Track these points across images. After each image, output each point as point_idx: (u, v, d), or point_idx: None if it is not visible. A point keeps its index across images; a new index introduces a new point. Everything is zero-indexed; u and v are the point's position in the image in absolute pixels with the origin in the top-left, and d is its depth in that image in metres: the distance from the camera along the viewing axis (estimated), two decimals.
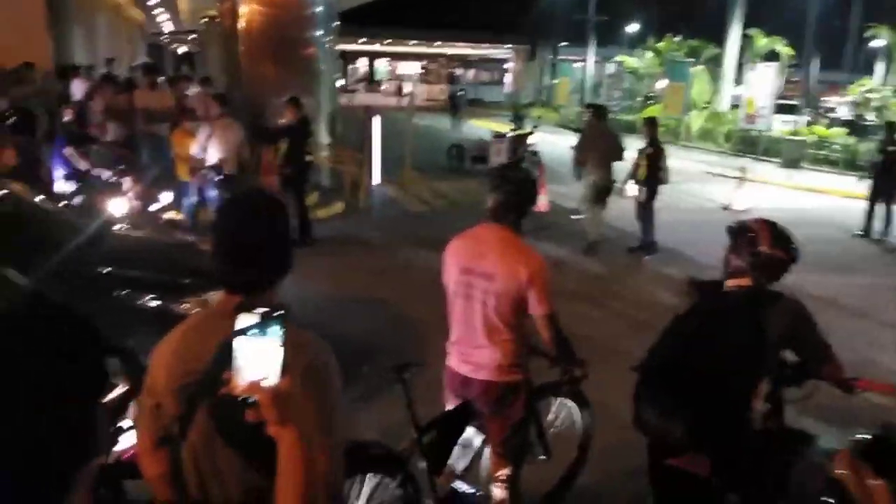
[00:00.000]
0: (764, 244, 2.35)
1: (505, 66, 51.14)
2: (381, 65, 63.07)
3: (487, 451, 3.09)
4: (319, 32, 11.99)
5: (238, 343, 1.17)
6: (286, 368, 1.17)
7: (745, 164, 14.16)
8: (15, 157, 6.10)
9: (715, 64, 25.67)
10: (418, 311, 6.28)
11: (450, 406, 3.02)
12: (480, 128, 21.60)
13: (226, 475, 1.53)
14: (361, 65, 61.93)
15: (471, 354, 2.85)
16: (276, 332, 1.17)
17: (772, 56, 23.32)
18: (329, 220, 10.55)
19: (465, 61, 50.46)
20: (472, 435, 3.10)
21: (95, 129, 7.32)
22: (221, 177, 7.54)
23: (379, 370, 2.87)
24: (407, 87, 43.38)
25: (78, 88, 9.44)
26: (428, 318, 6.11)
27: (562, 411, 3.50)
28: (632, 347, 5.59)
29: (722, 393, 2.06)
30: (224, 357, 1.47)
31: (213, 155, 7.57)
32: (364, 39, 47.28)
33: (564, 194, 12.72)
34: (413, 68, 54.68)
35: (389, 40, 51.83)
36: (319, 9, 11.81)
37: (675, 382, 2.05)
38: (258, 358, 1.17)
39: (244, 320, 1.17)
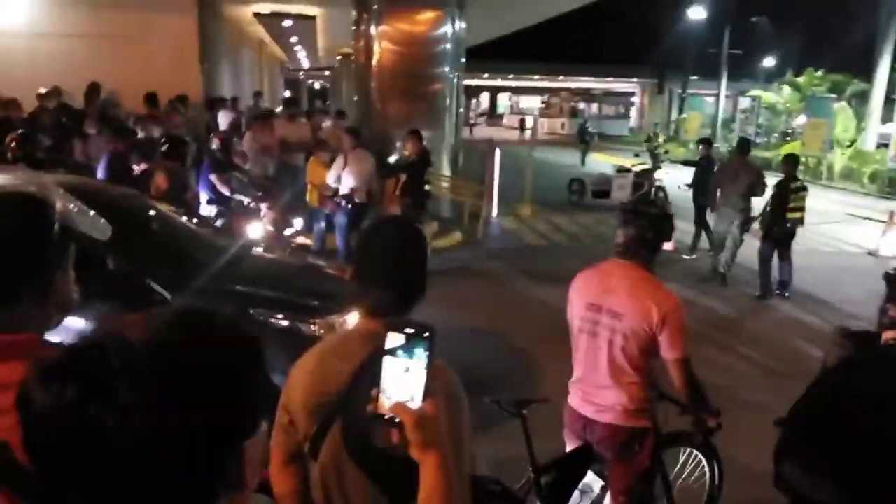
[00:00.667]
0: None
1: (631, 99, 50.26)
2: (503, 98, 63.89)
3: (608, 500, 2.96)
4: (446, 69, 12.34)
5: (385, 362, 1.17)
6: (430, 391, 1.15)
7: (894, 207, 13.01)
8: (166, 182, 6.65)
9: (859, 100, 23.96)
10: (535, 345, 6.20)
11: (569, 447, 2.92)
12: (603, 162, 21.24)
13: (353, 497, 1.54)
14: (483, 98, 63.00)
15: (594, 395, 2.74)
16: (422, 353, 1.17)
17: None
18: (447, 250, 10.68)
19: (588, 95, 50.04)
20: (592, 480, 2.97)
21: (238, 157, 7.84)
22: (352, 205, 7.87)
23: (498, 403, 2.81)
24: (529, 121, 43.61)
25: (224, 119, 10.17)
26: (545, 352, 6.01)
27: (690, 463, 3.29)
28: (767, 398, 5.24)
29: (881, 456, 1.86)
30: (361, 379, 1.50)
31: (345, 184, 7.92)
32: (487, 74, 48.15)
33: (687, 231, 12.20)
34: (534, 102, 54.91)
35: (512, 75, 52.49)
36: (448, 46, 12.16)
37: (827, 441, 1.86)
38: (404, 378, 1.16)
39: (392, 339, 1.17)
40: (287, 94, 23.72)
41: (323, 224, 8.23)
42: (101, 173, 6.73)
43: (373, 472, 1.49)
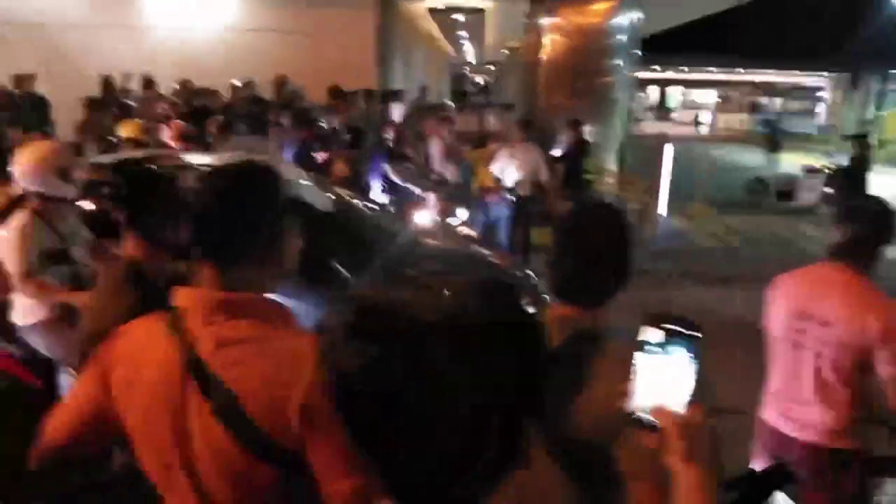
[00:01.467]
0: None
1: (819, 94, 45.93)
2: (673, 92, 60.87)
3: None
4: (619, 61, 11.93)
5: (639, 359, 1.08)
6: (698, 397, 1.05)
7: None
8: (346, 169, 7.00)
9: None
10: (711, 353, 5.80)
11: (758, 464, 2.67)
12: (788, 161, 19.60)
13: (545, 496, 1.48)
14: (651, 91, 60.44)
15: (794, 410, 2.47)
16: (684, 354, 1.06)
17: None
18: None
19: (771, 89, 46.36)
20: (782, 502, 2.70)
21: (409, 148, 8.08)
22: (516, 199, 7.84)
23: None
24: (704, 116, 41.26)
25: (396, 112, 10.52)
26: (722, 360, 5.61)
27: None
28: None
29: None
30: (556, 366, 1.43)
31: (510, 177, 7.90)
32: (657, 67, 46.09)
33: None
34: (709, 96, 51.82)
35: (685, 67, 49.81)
36: (623, 37, 11.74)
37: None
38: (661, 379, 1.06)
39: (649, 334, 1.07)
40: (452, 88, 24.28)
41: (486, 216, 8.27)
42: (288, 158, 7.21)
43: (579, 479, 1.41)
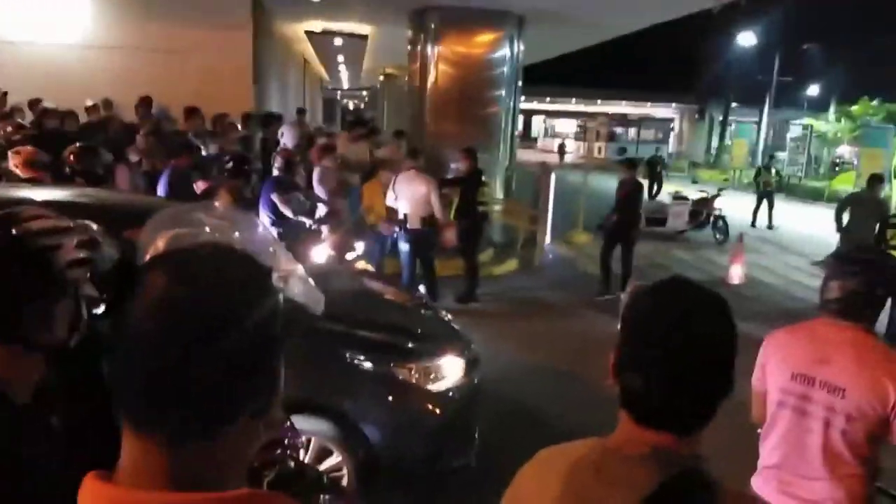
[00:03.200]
0: None
1: (670, 125, 49.57)
2: (537, 121, 63.51)
3: None
4: (503, 91, 12.01)
5: None
6: None
7: None
8: (230, 201, 6.30)
9: None
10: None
11: None
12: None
13: None
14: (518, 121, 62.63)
15: (798, 486, 2.23)
16: None
17: None
18: (504, 277, 10.24)
19: (626, 120, 49.47)
20: None
21: (300, 176, 7.49)
22: (407, 231, 7.47)
23: None
24: (569, 146, 43.16)
25: (289, 135, 9.86)
26: None
27: None
28: None
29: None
30: None
31: (401, 207, 7.53)
32: (522, 97, 47.89)
33: (758, 265, 11.62)
34: (570, 126, 54.48)
35: (548, 98, 52.14)
36: (506, 68, 11.84)
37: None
38: None
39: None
40: (321, 112, 23.78)
41: (380, 248, 7.84)
42: (161, 190, 6.41)
43: None
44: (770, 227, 16.10)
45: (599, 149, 44.80)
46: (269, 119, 10.41)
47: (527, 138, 59.24)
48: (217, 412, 0.81)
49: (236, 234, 0.88)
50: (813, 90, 39.31)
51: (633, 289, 1.21)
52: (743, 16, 27.14)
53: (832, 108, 30.53)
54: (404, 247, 7.51)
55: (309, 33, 14.77)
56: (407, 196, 7.51)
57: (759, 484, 2.34)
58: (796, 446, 2.22)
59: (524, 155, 34.43)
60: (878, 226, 8.34)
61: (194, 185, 6.67)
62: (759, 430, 2.50)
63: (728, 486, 1.07)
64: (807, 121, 27.73)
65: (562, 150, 40.96)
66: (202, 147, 7.43)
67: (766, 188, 16.62)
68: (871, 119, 24.69)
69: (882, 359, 2.15)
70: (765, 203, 16.52)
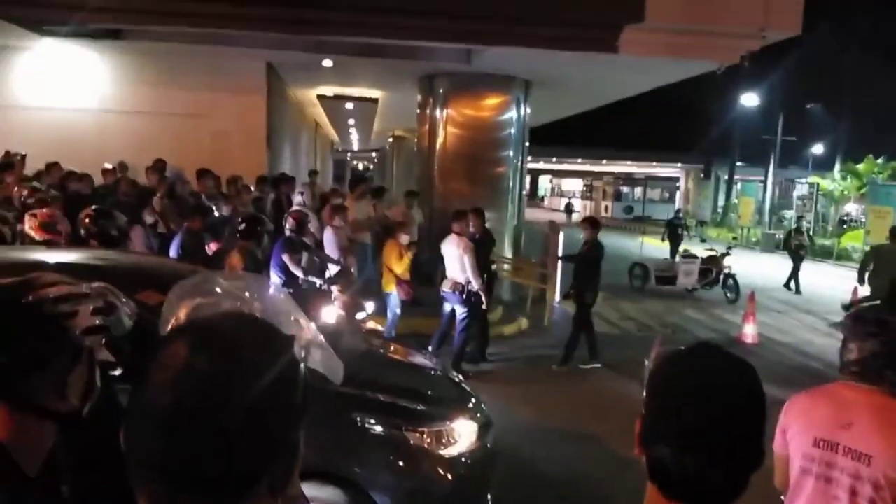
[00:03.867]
0: None
1: (676, 183, 49.99)
2: (544, 181, 64.25)
3: None
4: (510, 152, 12.21)
5: None
6: None
7: None
8: (241, 262, 6.34)
9: None
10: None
11: None
12: (658, 247, 20.67)
13: None
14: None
15: None
16: None
17: None
18: (514, 337, 10.16)
19: (633, 179, 49.96)
20: None
21: (310, 237, 7.55)
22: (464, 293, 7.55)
23: None
24: (576, 204, 43.47)
25: (298, 198, 9.98)
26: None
27: None
28: None
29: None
30: None
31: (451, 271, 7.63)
32: (529, 157, 48.52)
33: (771, 325, 11.50)
34: (576, 185, 55.02)
35: (554, 158, 52.83)
36: (513, 130, 12.07)
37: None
38: None
39: None
40: (334, 173, 24.29)
41: (398, 311, 7.79)
42: (173, 252, 6.47)
43: None
44: (798, 291, 15.82)
45: (606, 207, 45.09)
46: (280, 180, 10.56)
47: (533, 197, 59.95)
48: (235, 488, 0.78)
49: (257, 303, 0.87)
50: (818, 149, 39.67)
51: (658, 354, 1.19)
52: (747, 76, 27.71)
53: (837, 167, 30.75)
54: (447, 307, 7.72)
55: (321, 97, 15.14)
56: (447, 258, 7.65)
57: None
58: None
59: (531, 214, 34.66)
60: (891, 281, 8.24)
61: (206, 247, 6.75)
62: (782, 497, 2.42)
63: None
64: (812, 179, 27.91)
65: (569, 208, 41.23)
66: (214, 209, 7.52)
67: (800, 251, 16.29)
68: (877, 177, 24.81)
69: None
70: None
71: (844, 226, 26.93)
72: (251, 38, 9.60)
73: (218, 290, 0.86)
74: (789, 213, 28.42)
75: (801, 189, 26.77)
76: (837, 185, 27.83)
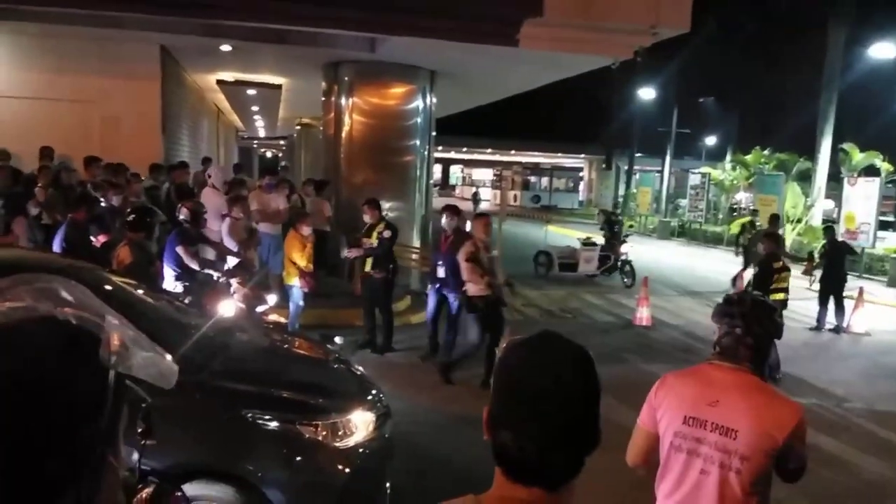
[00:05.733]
0: None
1: (580, 174, 51.55)
2: (455, 170, 64.79)
3: None
4: (417, 142, 12.24)
5: None
6: None
7: (856, 285, 13.21)
8: (131, 255, 6.07)
9: (800, 177, 24.95)
10: None
11: None
12: (563, 235, 21.29)
13: None
14: (435, 170, 63.68)
15: None
16: None
17: (869, 171, 22.50)
18: (421, 325, 10.21)
19: (539, 169, 51.17)
20: None
21: (207, 228, 7.31)
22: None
23: None
24: (484, 193, 44.05)
25: (216, 178, 9.56)
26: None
27: None
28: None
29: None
30: None
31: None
32: (440, 147, 48.80)
33: (664, 308, 12.10)
34: (486, 174, 55.79)
35: (465, 148, 53.37)
36: (419, 119, 12.09)
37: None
38: None
39: None
40: (237, 161, 23.62)
41: (301, 303, 7.68)
42: (56, 245, 6.11)
43: None
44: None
45: (515, 196, 45.90)
46: (175, 169, 10.15)
47: (445, 186, 60.31)
48: None
49: (69, 306, 0.82)
50: (710, 140, 41.91)
51: (507, 343, 1.24)
52: (645, 70, 28.87)
53: (728, 157, 32.62)
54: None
55: (221, 83, 14.63)
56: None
57: None
58: (693, 489, 2.28)
59: (444, 202, 35.04)
60: (757, 270, 8.60)
61: (93, 240, 6.42)
62: (638, 471, 2.54)
63: None
64: (705, 169, 29.46)
65: (475, 197, 41.78)
66: (102, 199, 7.16)
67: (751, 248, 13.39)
68: (764, 167, 26.46)
69: (770, 400, 2.27)
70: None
71: (734, 213, 28.57)
72: (143, 20, 9.16)
73: (30, 290, 0.81)
74: (684, 202, 29.88)
75: (694, 179, 28.21)
76: (728, 175, 29.48)
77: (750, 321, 2.29)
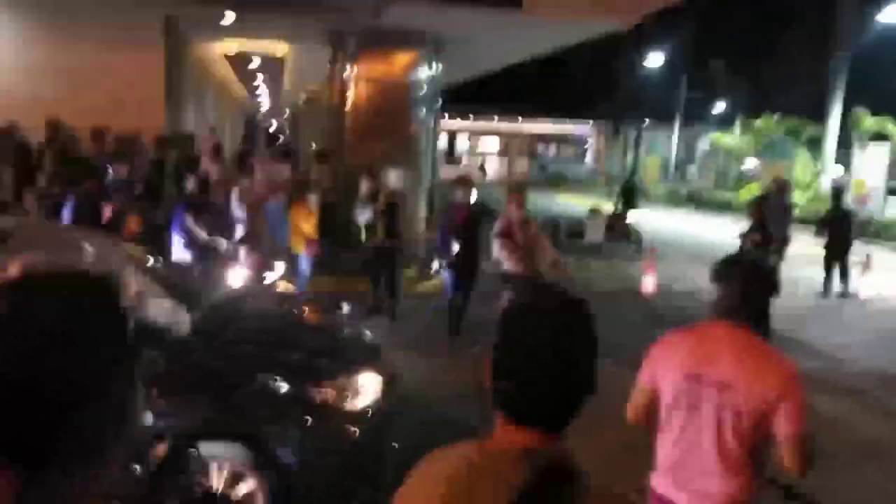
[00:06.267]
0: None
1: (588, 143, 51.22)
2: (461, 140, 64.41)
3: None
4: (423, 111, 12.18)
5: None
6: None
7: (864, 251, 13.17)
8: (139, 225, 6.16)
9: (810, 143, 24.71)
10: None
11: None
12: (572, 203, 21.25)
13: None
14: (441, 139, 63.29)
15: (694, 481, 2.35)
16: None
17: (879, 136, 22.26)
18: (429, 294, 10.30)
19: (547, 137, 50.83)
20: None
21: (215, 198, 7.37)
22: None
23: None
24: (490, 163, 43.94)
25: (203, 158, 9.62)
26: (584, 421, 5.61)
27: None
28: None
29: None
30: None
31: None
32: (446, 116, 48.44)
33: (670, 274, 12.12)
34: (493, 144, 55.46)
35: (471, 116, 52.97)
36: (425, 88, 12.02)
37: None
38: None
39: None
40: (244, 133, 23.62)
41: (308, 271, 7.76)
42: (66, 216, 6.18)
43: None
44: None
45: (522, 166, 45.80)
46: (182, 140, 10.19)
47: (452, 156, 60.09)
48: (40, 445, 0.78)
49: (91, 258, 0.88)
50: (720, 106, 41.41)
51: (509, 299, 1.31)
52: (652, 35, 28.49)
53: (738, 124, 32.32)
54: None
55: (225, 54, 14.58)
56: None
57: (657, 482, 2.46)
58: (693, 443, 2.35)
59: (450, 172, 34.91)
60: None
61: (102, 211, 6.48)
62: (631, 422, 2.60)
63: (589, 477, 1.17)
64: (714, 136, 29.21)
65: (482, 167, 41.72)
66: (111, 170, 7.21)
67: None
68: (773, 134, 26.23)
69: (764, 355, 2.32)
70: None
71: (743, 180, 28.43)
72: None
73: (58, 243, 0.86)
74: (693, 169, 29.70)
75: (703, 146, 28.01)
76: (737, 142, 29.26)
77: (748, 281, 2.33)
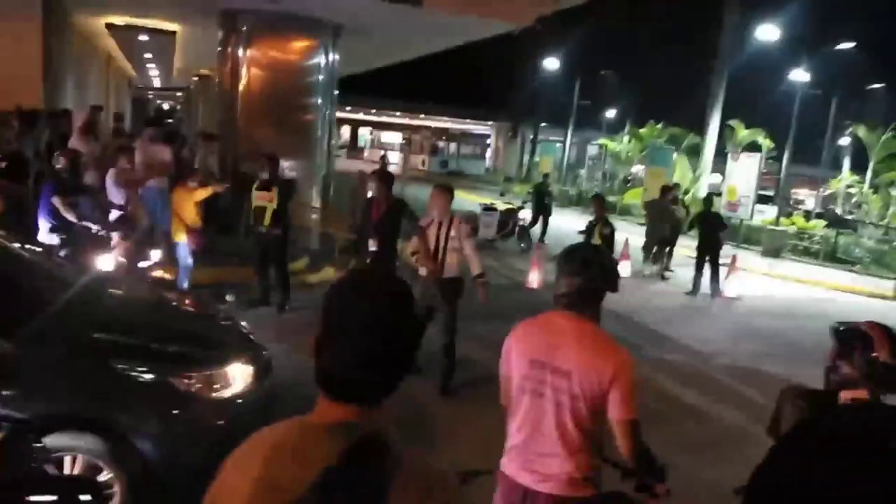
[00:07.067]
0: (882, 351, 2.09)
1: (487, 141, 52.16)
2: (364, 132, 63.91)
3: None
4: (318, 99, 11.99)
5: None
6: None
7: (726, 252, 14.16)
8: (2, 204, 5.75)
9: (690, 151, 26.30)
10: (436, 400, 5.86)
11: None
12: (467, 200, 21.56)
13: None
14: (344, 131, 62.58)
15: (536, 462, 2.48)
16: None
17: (752, 147, 24.02)
18: (319, 285, 10.18)
19: (448, 134, 51.36)
20: None
21: (89, 179, 6.97)
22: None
23: None
24: (392, 157, 43.84)
25: (74, 136, 9.07)
26: (449, 409, 5.72)
27: None
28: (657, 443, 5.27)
29: None
30: (328, 492, 1.14)
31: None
32: (349, 108, 47.96)
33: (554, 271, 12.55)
34: (395, 137, 55.43)
35: (374, 110, 52.72)
36: (321, 77, 11.84)
37: None
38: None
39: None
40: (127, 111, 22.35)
41: (190, 261, 7.46)
42: None
43: None
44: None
45: (423, 161, 46.01)
46: (54, 116, 9.56)
47: (354, 148, 59.50)
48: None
49: None
50: (611, 113, 43.33)
51: (335, 281, 1.34)
52: (549, 41, 29.37)
53: (626, 130, 33.94)
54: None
55: (110, 26, 13.77)
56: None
57: (505, 463, 2.59)
58: (535, 426, 2.48)
59: (351, 165, 34.52)
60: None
61: None
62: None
63: (408, 450, 1.22)
64: (602, 141, 30.57)
65: (383, 160, 41.56)
66: None
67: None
68: (657, 141, 27.71)
69: (601, 344, 2.47)
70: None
71: (627, 184, 29.87)
72: None
73: None
74: (583, 171, 30.94)
75: (592, 150, 29.22)
76: (624, 148, 30.71)
77: (590, 275, 2.48)
